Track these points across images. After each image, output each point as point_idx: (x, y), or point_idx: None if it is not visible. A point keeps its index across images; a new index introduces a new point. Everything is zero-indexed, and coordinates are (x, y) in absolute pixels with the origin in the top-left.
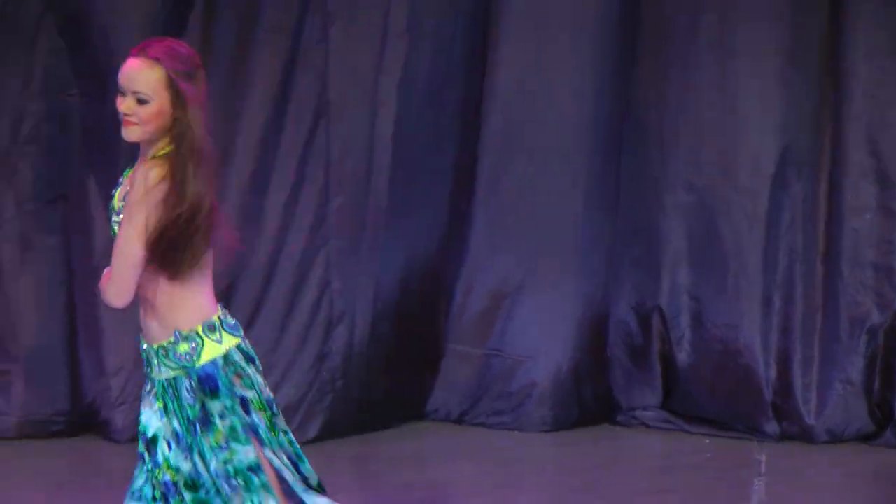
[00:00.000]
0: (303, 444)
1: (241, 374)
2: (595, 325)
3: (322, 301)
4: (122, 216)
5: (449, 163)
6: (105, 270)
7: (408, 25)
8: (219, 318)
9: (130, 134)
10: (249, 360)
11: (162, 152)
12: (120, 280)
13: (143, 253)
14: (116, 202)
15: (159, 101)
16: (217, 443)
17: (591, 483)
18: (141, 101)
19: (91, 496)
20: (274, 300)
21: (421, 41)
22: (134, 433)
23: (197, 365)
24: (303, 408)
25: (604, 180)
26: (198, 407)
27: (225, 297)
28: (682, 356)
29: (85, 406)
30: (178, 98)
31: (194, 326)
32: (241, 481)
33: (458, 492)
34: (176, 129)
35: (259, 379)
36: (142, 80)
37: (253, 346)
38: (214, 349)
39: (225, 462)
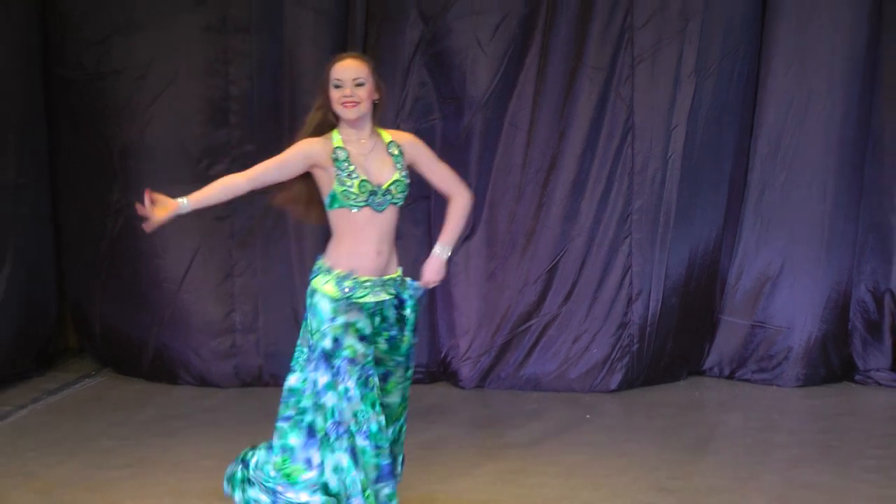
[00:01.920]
0: (605, 393)
1: None
2: (839, 303)
3: (624, 281)
4: (433, 164)
5: (726, 175)
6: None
7: (696, 67)
8: None
9: (352, 113)
10: None
11: (385, 131)
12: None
13: None
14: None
15: (369, 84)
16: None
17: (833, 427)
18: (358, 85)
19: (441, 429)
20: (587, 279)
21: (705, 78)
22: (476, 382)
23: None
24: (607, 365)
25: (848, 187)
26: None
27: (548, 275)
28: None
29: (439, 360)
30: (378, 84)
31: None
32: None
33: (727, 431)
34: (379, 110)
35: None
36: (357, 70)
37: (569, 315)
38: None
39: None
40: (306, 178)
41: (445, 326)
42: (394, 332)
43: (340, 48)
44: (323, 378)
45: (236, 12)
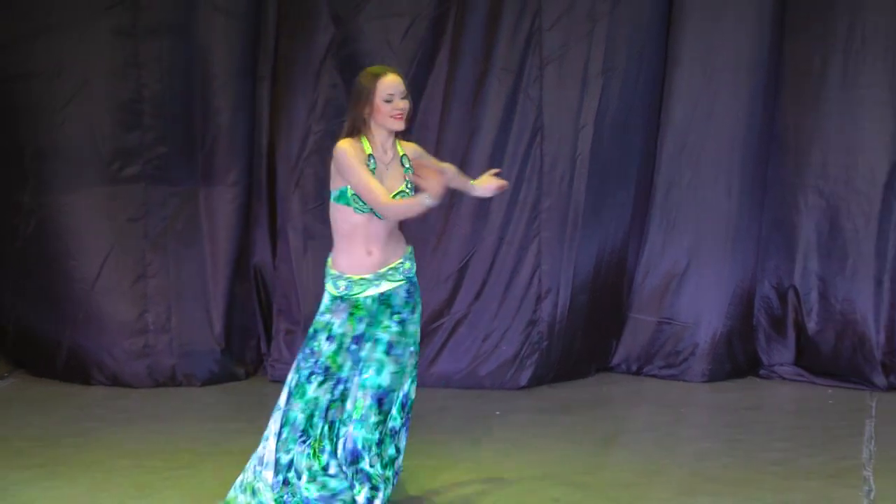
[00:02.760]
0: (514, 390)
1: None
2: (744, 299)
3: (533, 279)
4: (432, 160)
5: (633, 174)
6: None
7: (603, 68)
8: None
9: (400, 125)
10: None
11: (400, 143)
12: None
13: None
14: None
15: (408, 101)
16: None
17: (739, 421)
18: (404, 98)
19: None
20: (497, 277)
21: (613, 79)
22: None
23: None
24: (517, 362)
25: (752, 186)
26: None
27: (459, 274)
28: (811, 325)
29: None
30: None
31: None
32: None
33: (635, 426)
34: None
35: None
36: (402, 84)
37: (479, 313)
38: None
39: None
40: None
41: None
42: (404, 314)
43: (252, 50)
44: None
45: (148, 15)
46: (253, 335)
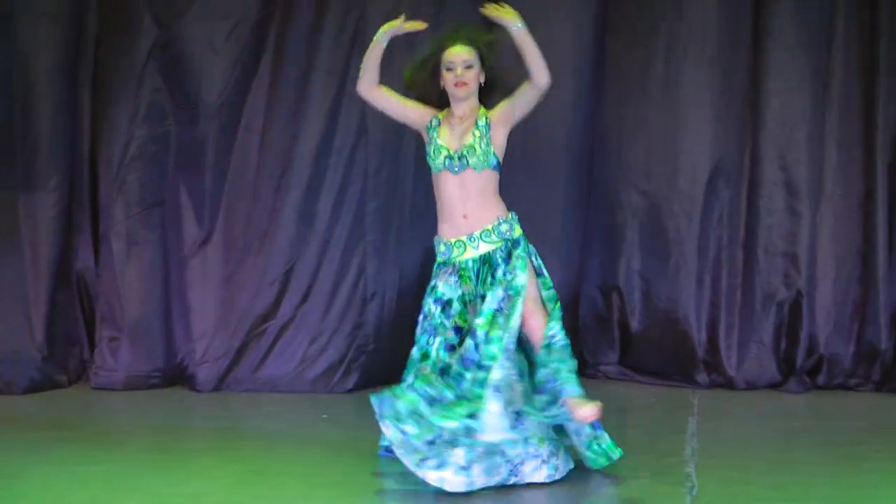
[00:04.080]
0: (342, 394)
1: None
2: (569, 299)
3: (359, 282)
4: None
5: None
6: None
7: None
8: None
9: (462, 92)
10: None
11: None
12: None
13: None
14: (456, 142)
15: (476, 67)
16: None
17: None
18: (468, 67)
19: (181, 433)
20: (323, 281)
21: None
22: (214, 386)
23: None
24: (343, 365)
25: (577, 186)
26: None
27: (284, 277)
28: (635, 324)
29: (176, 364)
30: (483, 64)
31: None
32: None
33: None
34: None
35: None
36: (467, 54)
37: (306, 316)
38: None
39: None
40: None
41: (182, 330)
42: (500, 273)
43: (73, 55)
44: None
45: None
46: (76, 342)
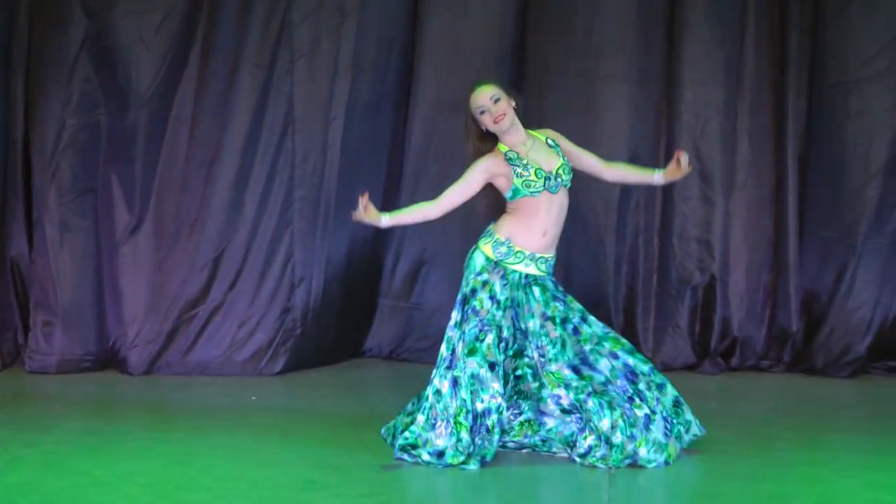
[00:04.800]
0: (270, 376)
1: None
2: None
3: (287, 269)
4: (576, 150)
5: (383, 165)
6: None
7: (352, 62)
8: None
9: (505, 123)
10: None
11: (534, 132)
12: None
13: None
14: (555, 170)
15: (504, 98)
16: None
17: None
18: (496, 101)
19: (113, 416)
20: (251, 267)
21: (362, 72)
22: (145, 369)
23: None
24: (271, 348)
25: None
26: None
27: (214, 264)
28: None
29: (108, 348)
30: (510, 94)
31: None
32: None
33: (388, 409)
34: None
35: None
36: (490, 91)
37: (234, 301)
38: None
39: None
40: (486, 190)
41: (114, 315)
42: (561, 298)
43: (5, 43)
44: (456, 316)
45: None
46: (9, 327)
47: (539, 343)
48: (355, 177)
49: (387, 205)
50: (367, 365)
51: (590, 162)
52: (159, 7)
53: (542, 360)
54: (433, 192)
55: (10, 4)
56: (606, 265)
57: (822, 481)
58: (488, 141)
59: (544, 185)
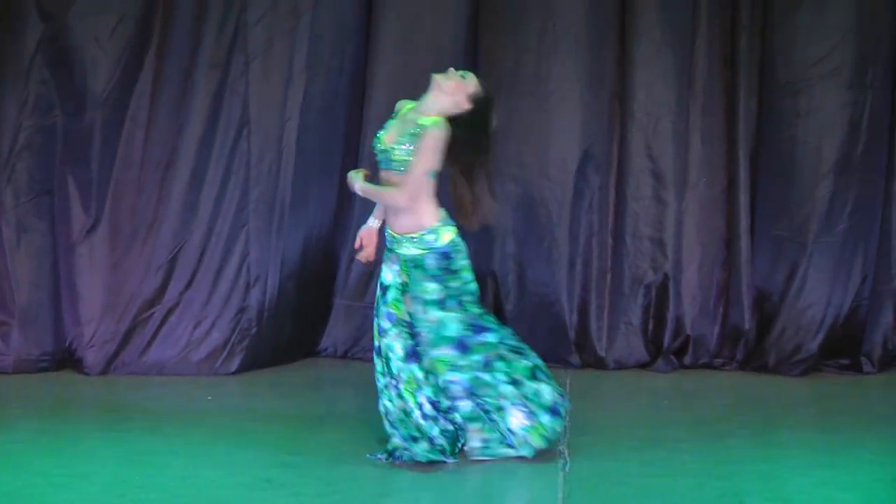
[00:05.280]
0: (226, 375)
1: None
2: None
3: (242, 268)
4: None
5: (337, 165)
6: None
7: (307, 63)
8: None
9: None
10: None
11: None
12: None
13: None
14: None
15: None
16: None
17: None
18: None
19: (69, 416)
20: (207, 267)
21: (317, 73)
22: (101, 369)
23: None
24: (227, 348)
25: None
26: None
27: (169, 264)
28: (510, 307)
29: (64, 348)
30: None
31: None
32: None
33: (344, 407)
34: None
35: None
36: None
37: (190, 301)
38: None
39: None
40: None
41: (70, 315)
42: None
43: None
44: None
45: None
46: None
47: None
48: (310, 176)
49: (340, 205)
50: (322, 364)
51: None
52: (114, 9)
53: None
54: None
55: None
56: (560, 264)
57: (774, 478)
58: None
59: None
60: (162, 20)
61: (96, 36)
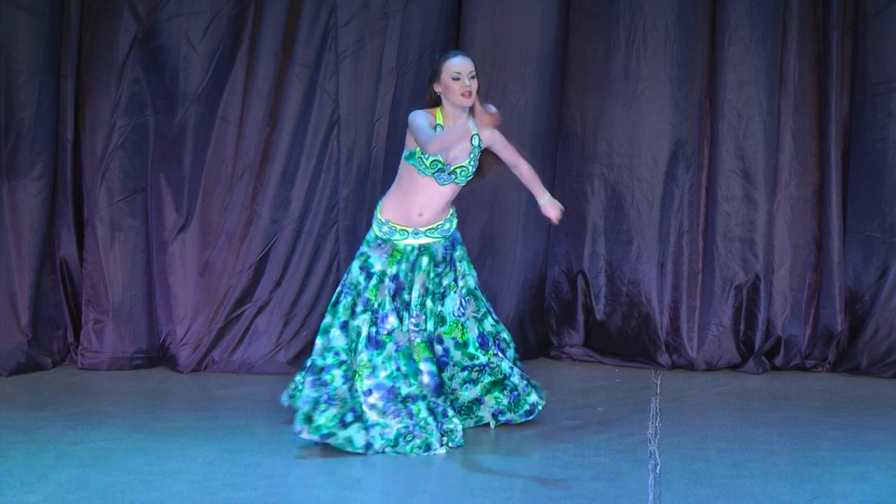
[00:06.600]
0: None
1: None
2: (535, 284)
3: (332, 266)
4: (503, 145)
5: None
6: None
7: (397, 63)
8: None
9: (468, 101)
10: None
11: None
12: None
13: None
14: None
15: (476, 81)
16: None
17: None
18: (472, 78)
19: (161, 413)
20: (297, 265)
21: (406, 73)
22: (193, 367)
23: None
24: None
25: (543, 176)
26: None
27: (260, 262)
28: (599, 307)
29: (158, 345)
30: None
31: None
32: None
33: None
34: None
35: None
36: (471, 65)
37: (280, 300)
38: None
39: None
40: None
41: (163, 313)
42: (440, 269)
43: (55, 48)
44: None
45: None
46: (60, 326)
47: (415, 314)
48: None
49: None
50: None
51: (508, 157)
52: (206, 9)
53: (415, 330)
54: (479, 191)
55: (59, 10)
56: (650, 264)
57: (867, 480)
58: (437, 101)
59: (433, 173)
60: (254, 20)
61: (188, 35)
